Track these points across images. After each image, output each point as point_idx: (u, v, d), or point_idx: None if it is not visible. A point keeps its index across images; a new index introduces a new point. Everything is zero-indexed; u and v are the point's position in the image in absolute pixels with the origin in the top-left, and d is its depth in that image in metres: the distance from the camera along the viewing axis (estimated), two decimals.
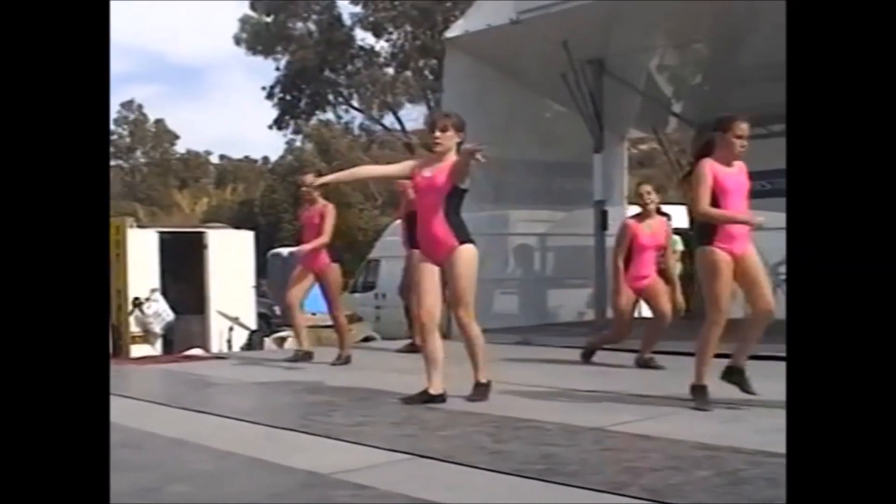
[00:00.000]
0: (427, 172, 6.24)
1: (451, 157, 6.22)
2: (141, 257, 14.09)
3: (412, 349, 10.01)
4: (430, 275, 6.25)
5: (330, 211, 8.79)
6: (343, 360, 8.95)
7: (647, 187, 8.32)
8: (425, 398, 6.15)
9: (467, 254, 6.19)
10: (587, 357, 8.50)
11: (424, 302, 6.22)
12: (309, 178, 9.10)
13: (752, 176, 13.23)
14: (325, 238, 8.71)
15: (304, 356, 8.93)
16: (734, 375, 5.86)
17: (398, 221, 10.49)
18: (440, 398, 6.17)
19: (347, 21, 40.75)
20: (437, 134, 6.29)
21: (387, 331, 14.97)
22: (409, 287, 10.46)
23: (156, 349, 14.35)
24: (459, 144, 6.26)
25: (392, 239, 15.73)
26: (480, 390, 6.27)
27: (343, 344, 9.13)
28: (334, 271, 8.94)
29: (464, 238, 6.20)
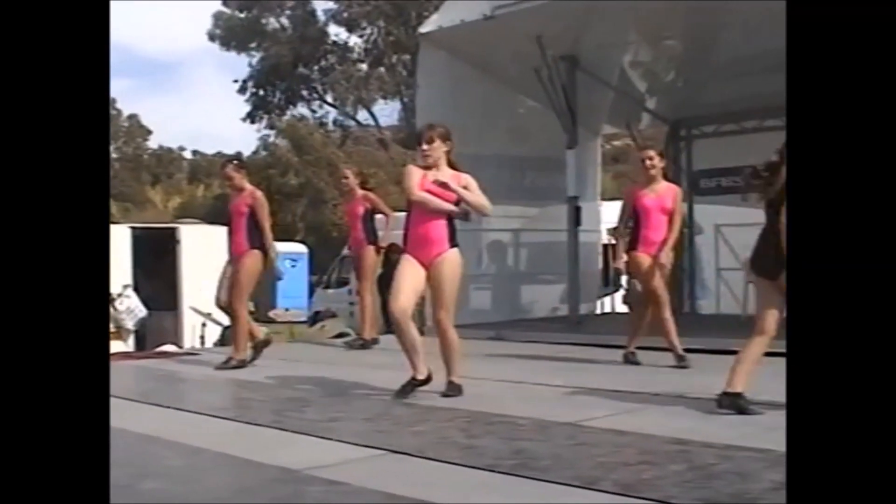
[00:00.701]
0: (432, 185, 6.32)
1: (446, 171, 6.37)
2: (113, 253, 13.89)
3: (362, 344, 9.96)
4: (414, 272, 6.25)
5: (260, 199, 8.37)
6: (235, 364, 8.24)
7: (650, 152, 8.06)
8: (415, 384, 6.24)
9: (455, 258, 6.32)
10: (681, 361, 7.68)
11: (399, 298, 6.19)
12: (229, 169, 8.61)
13: (726, 172, 13.31)
14: (267, 231, 8.35)
15: (237, 364, 8.26)
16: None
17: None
18: (428, 381, 6.27)
19: (321, 17, 40.77)
20: (425, 147, 6.36)
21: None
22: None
23: (128, 345, 14.29)
24: (448, 153, 6.39)
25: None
26: (453, 387, 6.30)
27: (238, 346, 8.42)
28: (251, 257, 8.29)
29: (454, 243, 6.32)
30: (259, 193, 8.46)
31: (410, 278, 6.24)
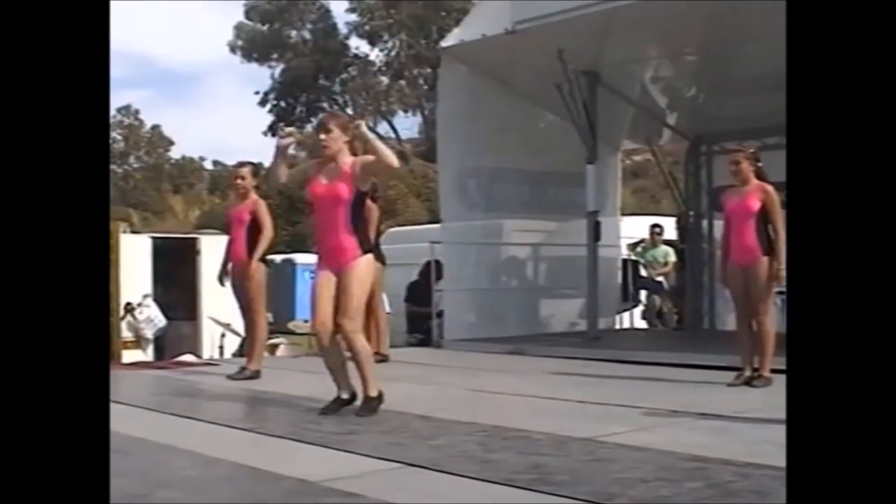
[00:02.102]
0: (324, 179, 6.06)
1: (346, 161, 6.04)
2: (134, 262, 14.02)
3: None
4: (328, 284, 6.06)
5: (262, 206, 8.27)
6: (249, 375, 8.25)
7: (735, 156, 7.63)
8: (340, 404, 6.14)
9: (364, 264, 6.02)
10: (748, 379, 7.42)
11: (318, 312, 6.03)
12: (245, 170, 8.49)
13: None
14: (268, 233, 8.24)
15: (252, 374, 8.30)
16: None
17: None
18: (352, 400, 6.18)
19: (343, 29, 40.97)
20: (323, 136, 6.09)
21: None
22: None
23: (147, 355, 14.31)
24: (350, 144, 6.09)
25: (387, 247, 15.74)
26: (369, 405, 6.09)
27: (252, 356, 8.44)
28: (255, 270, 8.24)
29: (366, 248, 6.06)
30: (263, 203, 8.36)
31: (325, 289, 6.04)
